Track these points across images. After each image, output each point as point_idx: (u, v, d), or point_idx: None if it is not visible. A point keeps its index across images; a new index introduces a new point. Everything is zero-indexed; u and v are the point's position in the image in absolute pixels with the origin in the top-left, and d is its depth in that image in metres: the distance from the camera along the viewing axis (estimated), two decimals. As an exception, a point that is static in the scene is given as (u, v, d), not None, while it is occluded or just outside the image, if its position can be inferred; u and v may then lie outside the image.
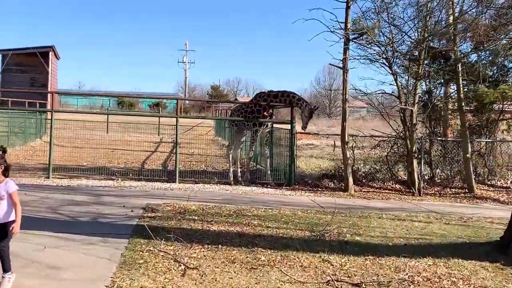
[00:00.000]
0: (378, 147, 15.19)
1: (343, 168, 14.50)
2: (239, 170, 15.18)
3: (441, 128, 15.67)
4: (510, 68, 14.93)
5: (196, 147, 22.44)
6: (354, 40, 13.54)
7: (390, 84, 14.79)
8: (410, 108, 13.44)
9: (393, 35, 13.70)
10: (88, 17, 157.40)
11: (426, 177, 14.53)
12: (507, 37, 14.03)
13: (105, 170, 15.18)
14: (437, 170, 14.95)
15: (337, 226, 8.69)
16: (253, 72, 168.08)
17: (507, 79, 14.61)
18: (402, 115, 13.93)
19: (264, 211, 10.09)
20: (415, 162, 13.53)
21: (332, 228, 8.38)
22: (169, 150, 25.34)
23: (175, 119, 14.50)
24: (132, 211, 9.40)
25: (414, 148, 13.48)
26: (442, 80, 14.05)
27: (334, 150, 15.89)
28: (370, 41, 13.72)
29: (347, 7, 13.24)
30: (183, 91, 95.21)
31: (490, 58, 14.42)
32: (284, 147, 14.93)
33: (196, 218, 8.97)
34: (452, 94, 15.29)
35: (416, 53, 13.75)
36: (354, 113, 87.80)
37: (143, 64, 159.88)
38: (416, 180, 13.48)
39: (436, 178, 14.77)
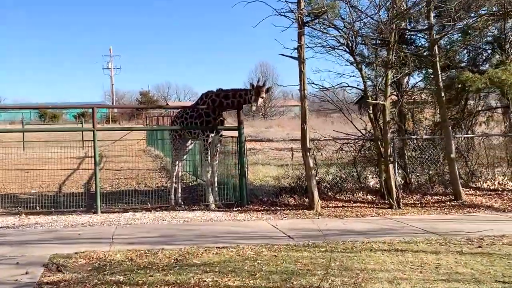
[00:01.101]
0: (340, 151, 12.78)
1: (303, 179, 12.04)
2: (180, 189, 12.42)
3: (408, 125, 13.42)
4: (488, 49, 12.89)
5: (125, 160, 19.50)
6: (309, 24, 11.04)
7: (351, 76, 12.49)
8: (381, 102, 11.09)
9: (353, 18, 11.32)
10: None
11: (401, 184, 12.22)
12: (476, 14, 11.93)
13: (10, 200, 11.97)
14: (412, 175, 12.71)
15: (323, 274, 6.11)
16: (183, 76, 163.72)
17: (486, 63, 12.60)
18: (370, 111, 11.58)
19: (217, 253, 7.36)
20: (391, 167, 11.19)
21: (320, 281, 5.82)
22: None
23: (91, 132, 11.38)
24: (26, 272, 6.43)
25: (389, 151, 11.15)
26: (411, 68, 11.70)
27: (292, 159, 13.21)
28: (327, 25, 11.30)
29: (299, -17, 10.75)
30: (111, 99, 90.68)
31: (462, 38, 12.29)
32: (229, 157, 12.30)
33: (121, 278, 6.13)
34: (425, 84, 13.06)
35: (383, 37, 11.43)
36: (287, 112, 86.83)
37: (67, 74, 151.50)
38: (394, 189, 11.15)
39: (412, 185, 12.52)
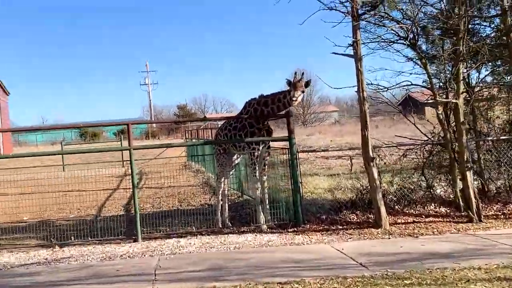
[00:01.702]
0: (404, 158, 11.33)
1: (364, 192, 10.67)
2: (227, 208, 11.25)
3: (480, 125, 11.83)
4: None
5: (166, 176, 18.52)
6: (364, 16, 9.69)
7: (411, 74, 11.00)
8: (454, 100, 9.64)
9: (415, 6, 9.93)
10: (42, 50, 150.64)
11: (477, 192, 10.67)
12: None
13: (46, 229, 10.95)
14: (489, 182, 11.15)
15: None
16: (219, 87, 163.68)
17: None
18: (439, 112, 10.12)
19: (278, 292, 6.09)
20: (468, 174, 9.69)
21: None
22: (137, 181, 21.40)
23: (128, 151, 10.25)
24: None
25: (465, 155, 9.66)
26: (485, 59, 10.18)
27: (351, 170, 11.84)
28: (384, 17, 9.92)
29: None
30: (149, 115, 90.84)
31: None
32: (279, 170, 11.05)
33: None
34: (494, 78, 11.50)
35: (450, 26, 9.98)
36: (327, 118, 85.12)
37: (106, 92, 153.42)
38: (473, 199, 9.64)
39: (490, 192, 10.96)
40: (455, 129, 10.01)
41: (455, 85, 9.73)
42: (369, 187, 10.10)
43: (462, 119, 9.61)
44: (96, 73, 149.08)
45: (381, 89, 10.27)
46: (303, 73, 9.63)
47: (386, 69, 10.87)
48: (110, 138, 74.08)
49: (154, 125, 77.73)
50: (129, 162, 10.31)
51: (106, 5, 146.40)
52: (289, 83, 9.66)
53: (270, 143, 10.76)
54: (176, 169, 20.66)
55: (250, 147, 10.29)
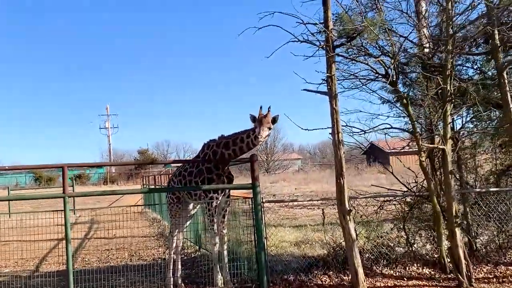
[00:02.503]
0: (381, 210, 10.09)
1: (338, 249, 9.32)
2: (180, 266, 9.73)
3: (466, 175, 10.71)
4: None
5: (119, 225, 16.86)
6: (340, 50, 8.55)
7: (388, 117, 9.95)
8: (440, 146, 8.49)
9: (397, 41, 8.90)
10: None
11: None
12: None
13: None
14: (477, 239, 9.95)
15: None
16: (182, 133, 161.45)
17: None
18: (422, 159, 8.94)
19: None
20: (457, 232, 8.45)
21: None
22: (85, 234, 19.53)
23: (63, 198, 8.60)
24: None
25: (454, 210, 8.44)
26: (475, 100, 9.11)
27: (323, 224, 10.48)
28: (362, 51, 8.84)
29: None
30: (109, 160, 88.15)
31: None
32: (240, 222, 9.64)
33: None
34: (477, 124, 10.45)
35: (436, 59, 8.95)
36: (291, 165, 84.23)
37: (64, 135, 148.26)
38: (463, 260, 8.37)
39: (478, 252, 9.74)
40: (440, 179, 8.84)
41: (441, 129, 8.61)
42: (343, 243, 8.76)
43: (450, 168, 8.44)
44: (53, 116, 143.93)
45: (357, 132, 9.08)
46: (269, 107, 8.39)
47: (360, 111, 9.77)
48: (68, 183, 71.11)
49: (113, 170, 75.07)
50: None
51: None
52: (253, 119, 8.39)
53: (231, 191, 9.39)
54: (131, 217, 18.96)
55: (207, 195, 8.87)
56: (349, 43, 8.29)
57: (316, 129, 8.99)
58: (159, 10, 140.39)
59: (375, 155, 57.59)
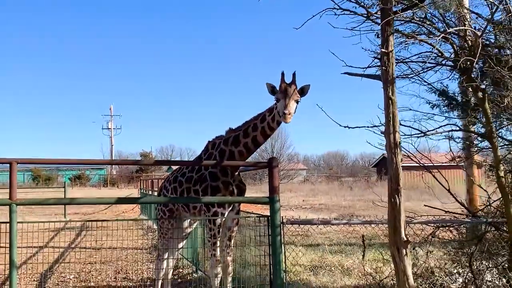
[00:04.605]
0: (432, 238, 7.74)
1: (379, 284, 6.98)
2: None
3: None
4: None
5: (110, 234, 14.73)
6: (400, 15, 6.26)
7: (447, 117, 7.65)
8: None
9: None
10: None
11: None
12: None
13: None
14: None
15: None
16: (188, 138, 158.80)
17: None
18: (502, 174, 6.61)
19: None
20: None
21: None
22: (70, 242, 17.25)
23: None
24: None
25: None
26: None
27: (364, 258, 8.10)
28: (424, 23, 6.54)
29: None
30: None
31: None
32: (249, 243, 7.37)
33: None
34: None
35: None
36: (296, 176, 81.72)
37: (66, 134, 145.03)
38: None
39: None
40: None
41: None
42: (389, 278, 6.43)
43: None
44: (57, 113, 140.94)
45: (413, 134, 6.76)
46: (294, 73, 6.12)
47: (410, 109, 7.50)
48: (66, 183, 69.15)
49: (114, 171, 72.89)
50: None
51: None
52: (272, 89, 6.14)
53: (240, 206, 7.10)
54: (123, 225, 16.70)
55: (210, 210, 6.58)
56: (416, 8, 5.94)
57: (358, 127, 6.71)
58: (167, 16, 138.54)
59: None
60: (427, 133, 6.66)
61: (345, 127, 6.44)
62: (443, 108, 7.61)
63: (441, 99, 7.69)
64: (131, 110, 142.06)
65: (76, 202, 11.07)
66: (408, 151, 7.59)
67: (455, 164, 9.01)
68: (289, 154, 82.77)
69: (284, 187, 55.82)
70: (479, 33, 5.83)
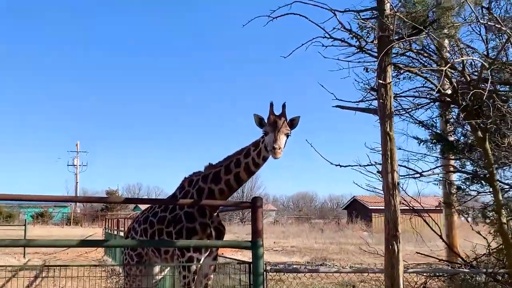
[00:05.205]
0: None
1: None
2: None
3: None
4: None
5: (70, 274, 13.67)
6: (399, 44, 5.79)
7: (445, 158, 7.21)
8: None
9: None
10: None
11: None
12: None
13: None
14: None
15: None
16: (155, 177, 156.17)
17: None
18: (504, 221, 6.09)
19: None
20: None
21: None
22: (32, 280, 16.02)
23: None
24: None
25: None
26: None
27: None
28: (422, 54, 6.11)
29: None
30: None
31: None
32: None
33: None
34: None
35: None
36: (266, 217, 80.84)
37: (28, 171, 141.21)
38: None
39: None
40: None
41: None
42: None
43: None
44: (19, 148, 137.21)
45: (410, 175, 6.23)
46: (284, 104, 5.55)
47: (399, 148, 6.98)
48: (27, 221, 66.62)
49: (78, 209, 70.79)
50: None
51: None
52: (260, 122, 5.55)
53: (217, 251, 6.40)
54: (85, 269, 15.64)
55: (185, 255, 5.85)
56: (417, 36, 5.48)
57: (350, 166, 6.14)
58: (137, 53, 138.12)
59: (357, 210, 54.61)
60: (423, 173, 6.11)
61: (336, 165, 5.87)
62: (436, 148, 7.14)
63: (433, 139, 7.22)
64: (98, 147, 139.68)
65: (33, 245, 10.21)
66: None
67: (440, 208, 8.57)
68: (260, 195, 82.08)
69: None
70: (486, 65, 5.37)
